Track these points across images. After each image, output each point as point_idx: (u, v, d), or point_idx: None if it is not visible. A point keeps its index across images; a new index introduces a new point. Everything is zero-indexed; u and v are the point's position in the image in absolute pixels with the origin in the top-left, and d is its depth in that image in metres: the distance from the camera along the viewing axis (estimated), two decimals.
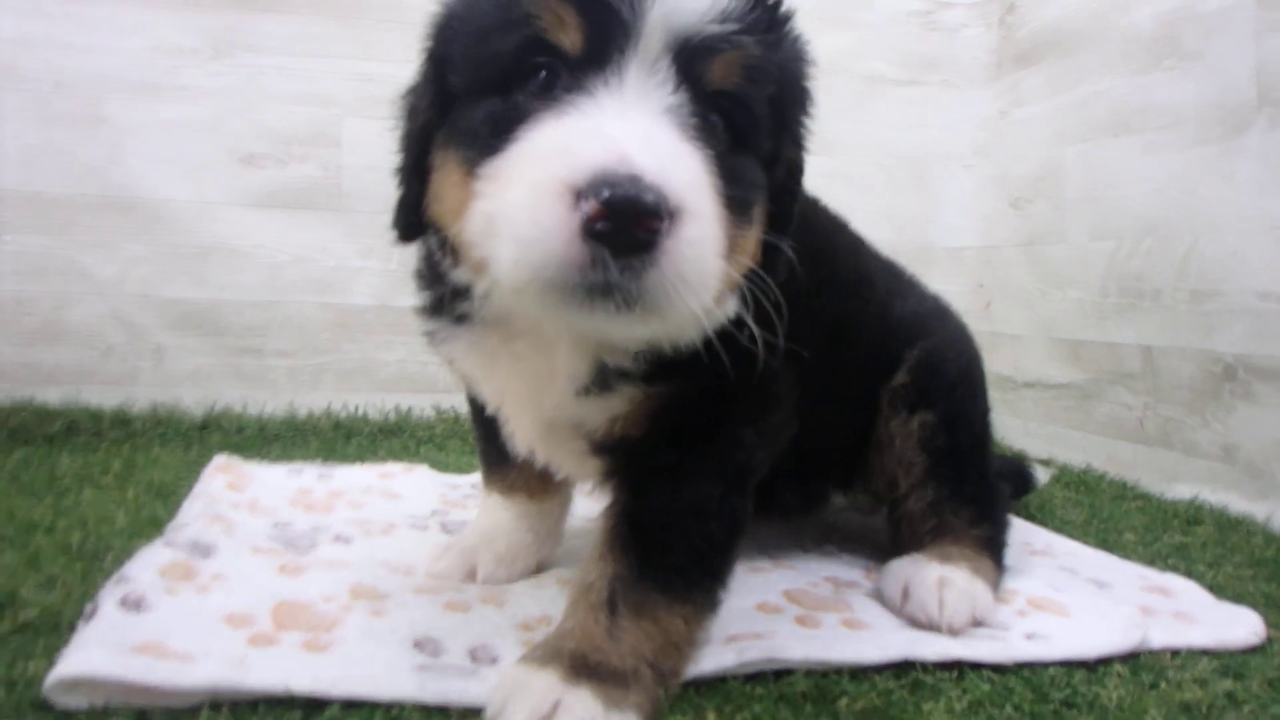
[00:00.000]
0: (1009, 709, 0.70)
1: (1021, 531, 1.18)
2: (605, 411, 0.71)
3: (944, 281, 2.06)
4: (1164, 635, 0.83)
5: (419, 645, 0.73)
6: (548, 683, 0.63)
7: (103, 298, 1.70)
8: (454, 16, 0.69)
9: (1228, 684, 0.75)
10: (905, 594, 0.86)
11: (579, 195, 0.52)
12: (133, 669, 0.62)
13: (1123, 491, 1.51)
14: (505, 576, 0.90)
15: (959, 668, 0.77)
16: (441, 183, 0.64)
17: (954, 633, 0.81)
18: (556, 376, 0.70)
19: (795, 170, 0.72)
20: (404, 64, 1.95)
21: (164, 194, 1.71)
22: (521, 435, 0.79)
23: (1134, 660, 0.80)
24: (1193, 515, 1.35)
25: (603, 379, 0.69)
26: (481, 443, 0.94)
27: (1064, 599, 0.90)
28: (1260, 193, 1.38)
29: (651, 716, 0.64)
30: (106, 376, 1.69)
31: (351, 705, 0.64)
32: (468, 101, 0.63)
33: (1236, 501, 1.38)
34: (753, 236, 0.65)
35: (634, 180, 0.51)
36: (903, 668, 0.76)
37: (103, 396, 1.64)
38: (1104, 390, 1.68)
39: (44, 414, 1.53)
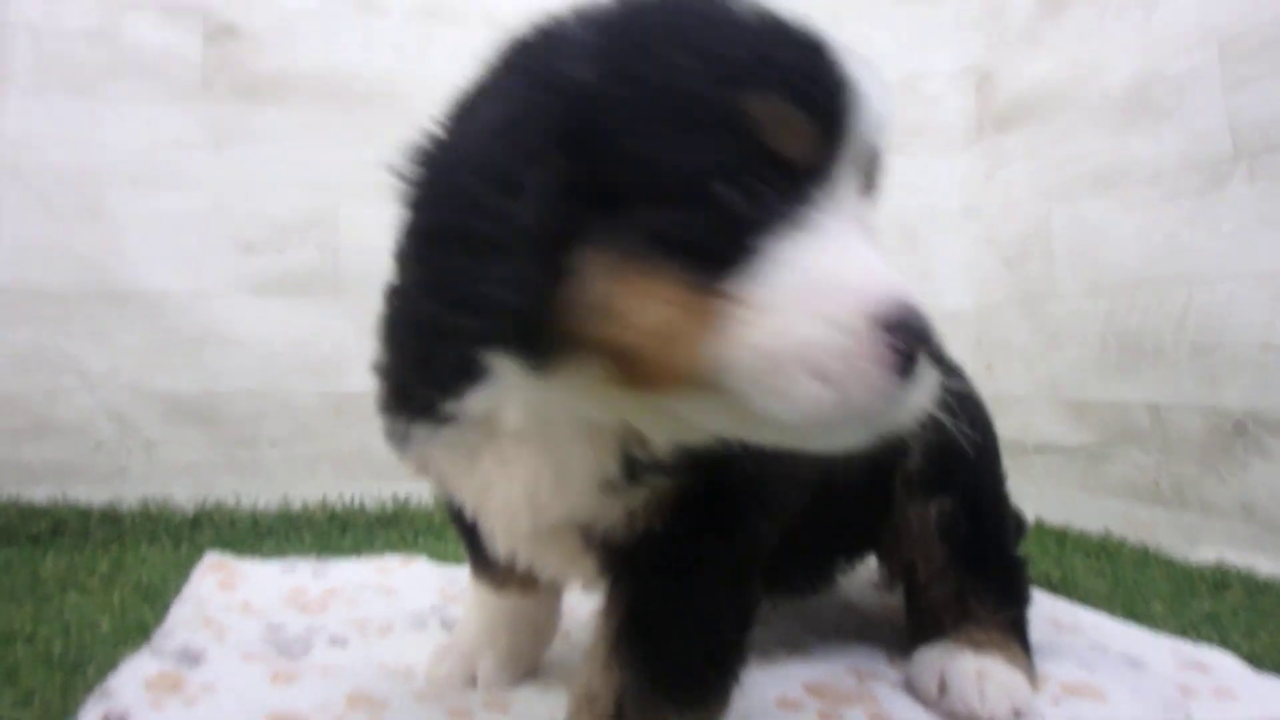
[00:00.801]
0: None
1: (1047, 607, 1.14)
2: (624, 507, 0.66)
3: (944, 343, 2.06)
4: (1206, 714, 0.79)
5: None
6: None
7: (94, 391, 1.67)
8: (611, 100, 0.55)
9: None
10: (942, 686, 0.82)
11: (885, 328, 0.51)
12: None
13: (1144, 557, 1.46)
14: (509, 679, 0.86)
15: None
16: (629, 298, 0.53)
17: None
18: (568, 474, 0.65)
19: None
20: (384, 148, 1.98)
21: (160, 284, 1.71)
22: (504, 538, 0.73)
23: None
24: (1219, 579, 1.30)
25: (630, 473, 0.64)
26: (464, 537, 0.87)
27: (1098, 681, 0.86)
28: (1247, 243, 1.39)
29: None
30: (95, 473, 1.65)
31: None
32: (649, 205, 0.53)
33: (1263, 562, 1.33)
34: None
35: (918, 310, 0.52)
36: None
37: (91, 493, 1.60)
38: (1115, 451, 1.66)
39: (29, 513, 1.48)
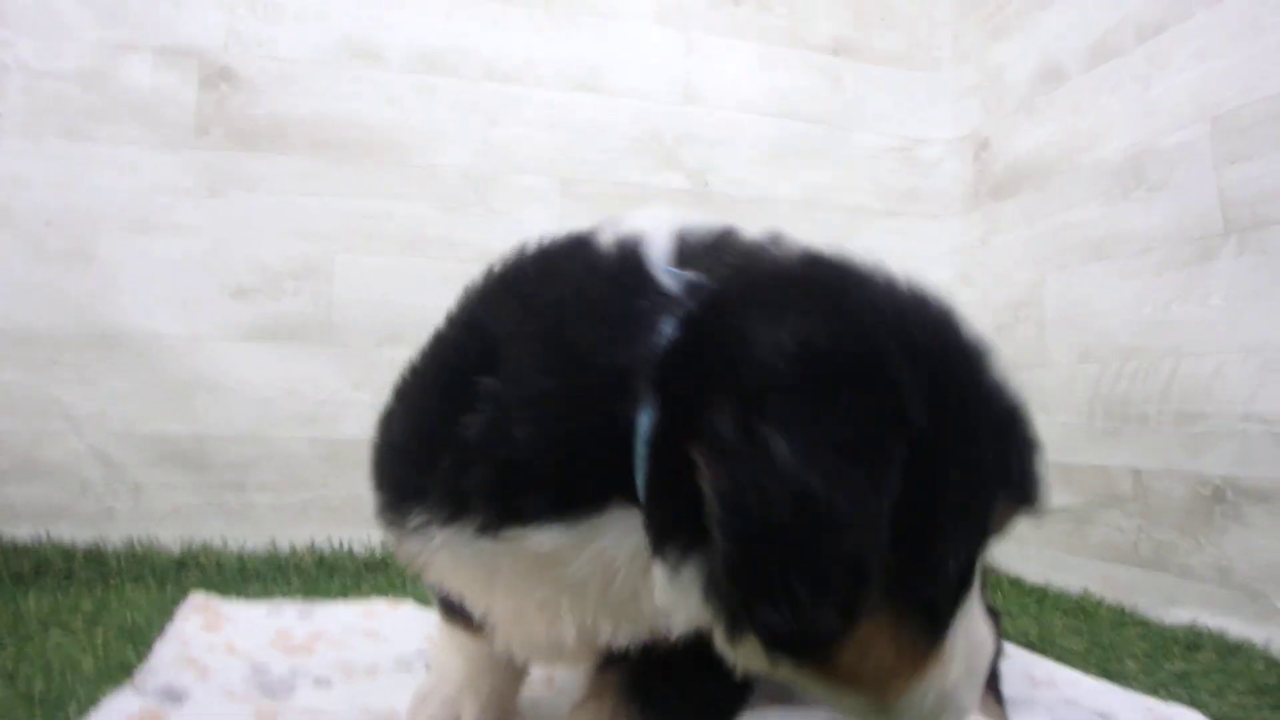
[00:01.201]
0: None
1: (1023, 663, 1.15)
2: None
3: None
4: None
5: None
6: None
7: (81, 435, 1.65)
8: (933, 459, 0.56)
9: None
10: None
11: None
12: None
13: (1121, 617, 1.48)
14: None
15: None
16: (888, 642, 0.57)
17: None
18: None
19: None
20: (396, 200, 2.00)
21: (151, 329, 1.70)
22: (505, 638, 0.71)
23: None
24: (1193, 640, 1.32)
25: None
26: (441, 600, 0.83)
27: None
28: (1235, 316, 1.42)
29: None
30: (81, 514, 1.62)
31: None
32: (939, 548, 0.58)
33: (1235, 625, 1.36)
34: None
35: None
36: None
37: (76, 534, 1.57)
38: (1097, 514, 1.68)
39: (13, 552, 1.46)
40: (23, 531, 1.56)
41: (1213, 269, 1.47)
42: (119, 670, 0.95)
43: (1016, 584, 1.76)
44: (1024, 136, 1.96)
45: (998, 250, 2.02)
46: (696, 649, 0.63)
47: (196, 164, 1.75)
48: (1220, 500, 1.42)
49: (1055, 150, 1.86)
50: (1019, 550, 1.87)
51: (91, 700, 0.83)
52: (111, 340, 1.69)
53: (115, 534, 1.61)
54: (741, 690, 0.70)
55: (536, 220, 1.88)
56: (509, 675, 0.86)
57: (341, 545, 1.69)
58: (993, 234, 2.04)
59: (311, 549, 1.66)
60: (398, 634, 1.15)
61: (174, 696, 0.81)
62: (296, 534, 1.70)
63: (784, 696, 0.99)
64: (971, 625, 0.62)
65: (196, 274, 1.74)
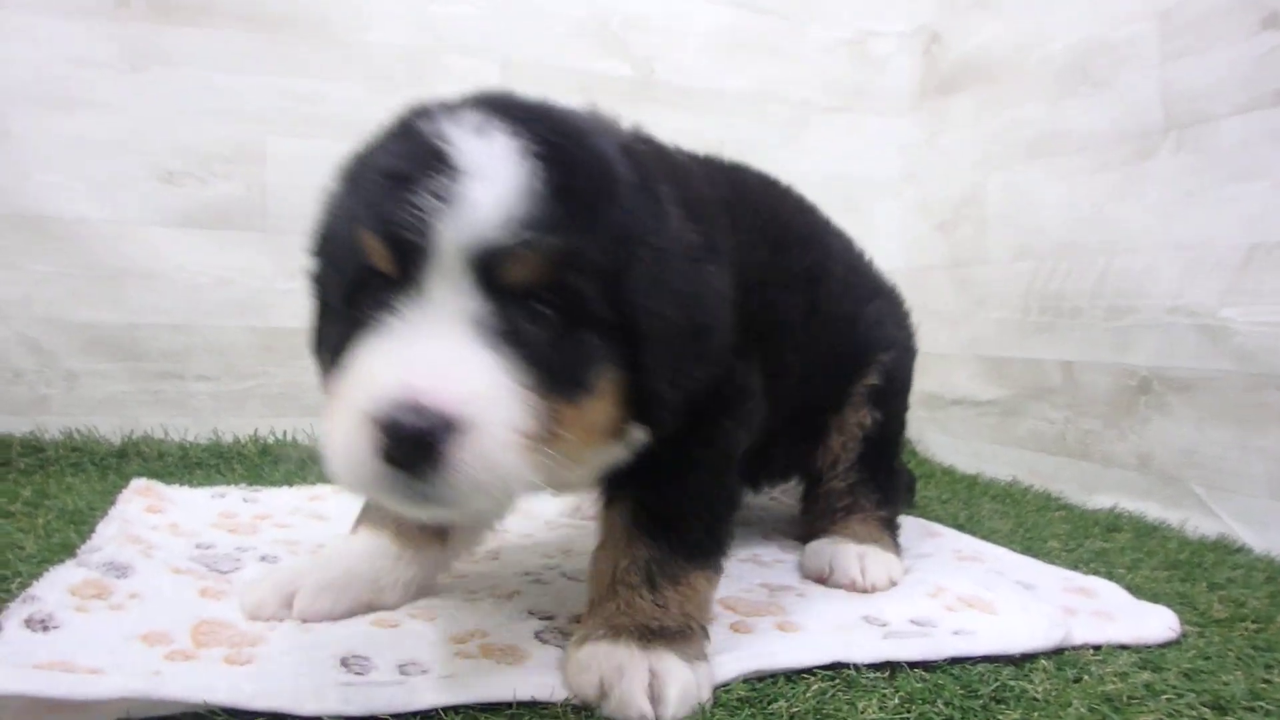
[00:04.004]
0: (940, 704, 0.71)
1: (951, 539, 1.23)
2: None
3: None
4: (1086, 632, 0.86)
5: (345, 663, 0.71)
6: (631, 652, 0.71)
7: (7, 321, 1.60)
8: (321, 240, 0.73)
9: (1146, 676, 0.78)
10: (830, 568, 1.02)
11: (373, 423, 0.58)
12: (36, 683, 0.59)
13: (1046, 502, 1.57)
14: (328, 610, 0.81)
15: (890, 666, 0.78)
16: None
17: (877, 590, 0.98)
18: None
19: (667, 324, 0.71)
20: (330, 80, 1.92)
21: (76, 213, 1.63)
22: None
23: (1058, 656, 0.83)
24: (1112, 523, 1.41)
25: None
26: None
27: (991, 597, 0.92)
28: (1168, 213, 1.47)
29: (706, 660, 0.75)
30: (14, 404, 1.59)
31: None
32: (328, 316, 0.72)
33: (1153, 509, 1.45)
34: (596, 405, 0.69)
35: (412, 407, 0.58)
36: (835, 667, 0.77)
37: (11, 424, 1.55)
38: (1027, 406, 1.75)
39: None
40: None
41: (1150, 168, 1.50)
42: (61, 550, 0.96)
43: (949, 472, 1.85)
44: (975, 31, 1.94)
45: (943, 149, 2.02)
46: (691, 487, 0.81)
47: (116, 36, 1.64)
48: (1145, 391, 1.49)
49: (1005, 46, 1.85)
50: (951, 442, 1.95)
51: (34, 575, 0.84)
52: (33, 223, 1.62)
53: (52, 424, 1.59)
54: (731, 512, 0.87)
55: None
56: (370, 572, 0.85)
57: (285, 435, 1.69)
58: (939, 132, 2.04)
59: (255, 438, 1.66)
60: (344, 516, 1.16)
61: (118, 569, 0.82)
62: (238, 424, 1.69)
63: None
64: (365, 367, 0.64)
65: (121, 155, 1.65)
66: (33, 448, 1.49)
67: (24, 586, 0.82)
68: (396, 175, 0.64)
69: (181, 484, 1.30)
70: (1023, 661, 0.81)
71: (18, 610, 0.70)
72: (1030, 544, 1.27)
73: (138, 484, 1.16)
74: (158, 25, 1.66)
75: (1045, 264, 1.71)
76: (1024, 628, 0.84)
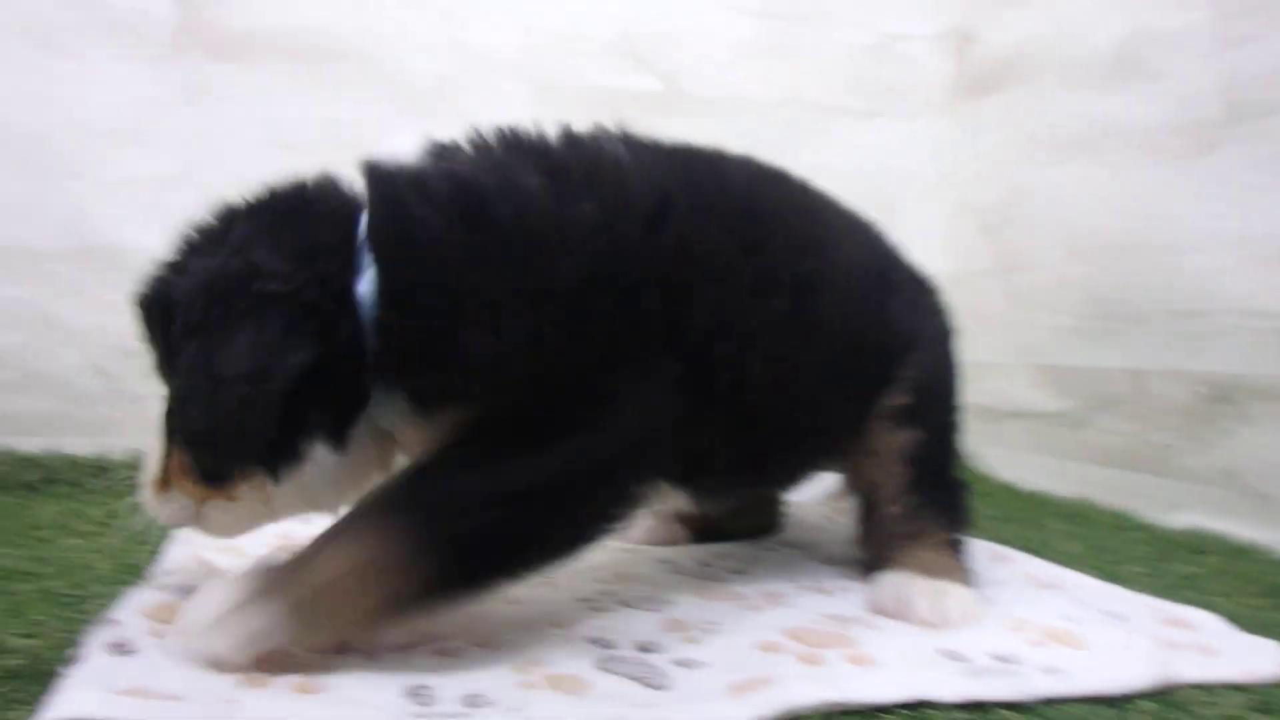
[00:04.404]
0: None
1: (1023, 563, 1.18)
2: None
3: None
4: (1190, 669, 0.80)
5: (412, 693, 0.71)
6: None
7: (80, 348, 1.68)
8: None
9: (1260, 719, 0.73)
10: (902, 607, 0.94)
11: None
12: (121, 709, 0.61)
13: (1121, 521, 1.49)
14: None
15: (976, 706, 0.74)
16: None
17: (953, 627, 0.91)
18: None
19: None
20: (371, 108, 1.98)
21: (139, 243, 1.67)
22: None
23: (1161, 696, 0.77)
24: (1196, 544, 1.32)
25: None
26: None
27: (1080, 631, 0.88)
28: (1235, 208, 1.40)
29: None
30: (84, 427, 1.67)
31: None
32: None
33: (1240, 528, 1.35)
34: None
35: None
36: (916, 706, 0.73)
37: (80, 446, 1.62)
38: (1092, 417, 1.69)
39: (22, 462, 1.51)
40: (31, 443, 1.61)
41: (1212, 161, 1.44)
42: (130, 571, 1.00)
43: (1009, 490, 1.79)
44: (1009, 28, 1.90)
45: (983, 149, 1.99)
46: None
47: (173, 76, 1.73)
48: (1226, 400, 1.41)
49: (1043, 41, 1.81)
50: (1009, 457, 1.90)
51: (108, 596, 0.88)
52: (100, 254, 1.69)
53: (117, 445, 1.64)
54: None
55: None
56: None
57: None
58: (978, 132, 2.00)
59: None
60: None
61: (188, 592, 0.83)
62: None
63: (773, 592, 1.04)
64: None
65: (179, 187, 1.72)
66: (100, 469, 1.55)
67: (99, 607, 0.86)
68: None
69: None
70: (1122, 702, 0.75)
71: (99, 634, 0.73)
72: (1109, 568, 1.19)
73: None
74: (211, 63, 1.75)
75: (1104, 265, 1.65)
76: (1122, 665, 0.79)
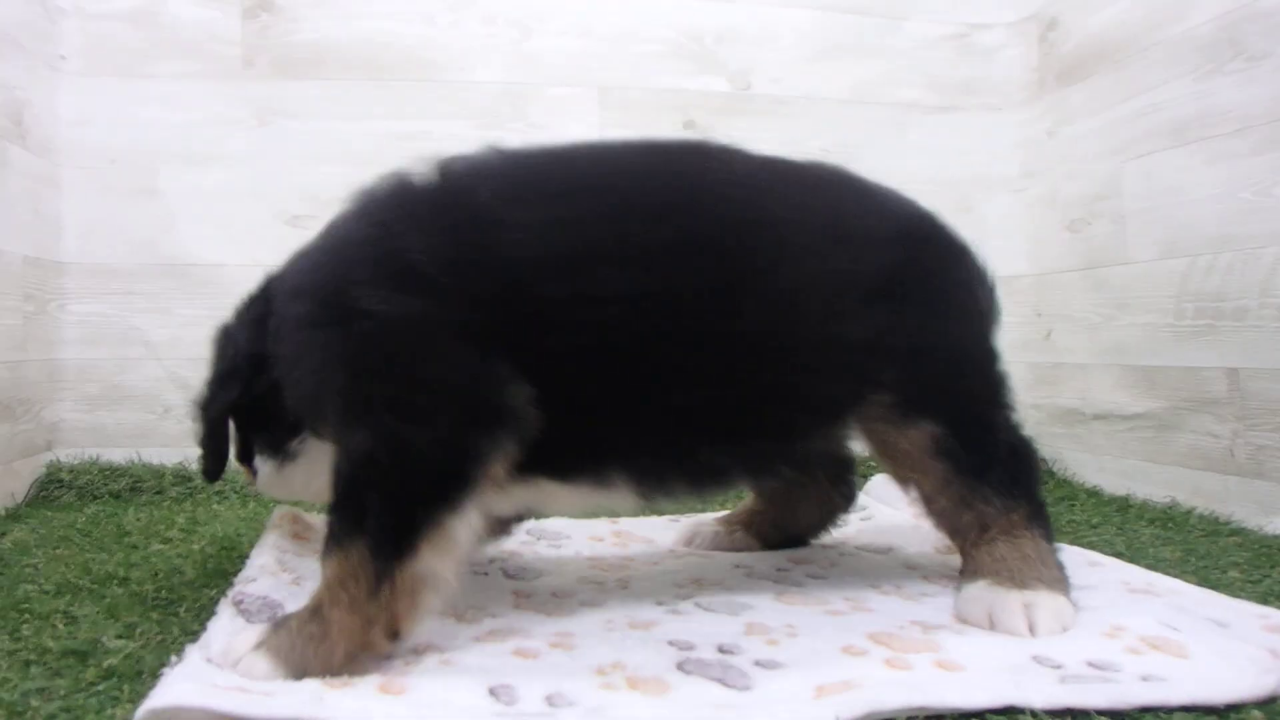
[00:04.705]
0: None
1: (1115, 570, 1.11)
2: None
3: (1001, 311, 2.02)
4: None
5: (493, 693, 0.71)
6: None
7: (160, 361, 1.73)
8: None
9: None
10: (991, 620, 0.88)
11: None
12: (219, 700, 0.62)
13: (1216, 527, 1.41)
14: None
15: (1071, 714, 0.69)
16: None
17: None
18: None
19: None
20: (436, 120, 2.01)
21: (215, 258, 1.75)
22: None
23: (1269, 706, 0.71)
24: None
25: None
26: None
27: (1181, 638, 0.82)
28: None
29: None
30: (167, 436, 1.72)
31: None
32: None
33: None
34: None
35: None
36: (1009, 712, 0.69)
37: (164, 456, 1.67)
38: (1185, 419, 1.60)
39: (109, 472, 1.57)
40: (117, 454, 1.67)
41: None
42: (217, 576, 1.02)
43: (1095, 494, 1.72)
44: (1097, 12, 1.81)
45: (1069, 141, 1.91)
46: None
47: (244, 95, 1.78)
48: None
49: (1134, 25, 1.72)
50: (1095, 461, 1.82)
51: (198, 601, 0.90)
52: (179, 270, 1.75)
53: (198, 454, 1.68)
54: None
55: (576, 131, 1.86)
56: None
57: None
58: (1063, 123, 1.93)
59: None
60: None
61: (272, 607, 0.85)
62: None
63: (855, 597, 1.00)
64: None
65: (251, 203, 1.77)
66: (182, 477, 1.60)
67: (190, 612, 0.88)
68: None
69: (319, 513, 1.35)
70: (1228, 712, 0.70)
71: (198, 651, 0.75)
72: (1207, 575, 1.13)
73: (282, 511, 1.20)
74: (280, 81, 1.79)
75: (1200, 261, 1.57)
76: (1227, 673, 0.74)
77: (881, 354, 0.91)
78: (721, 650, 0.81)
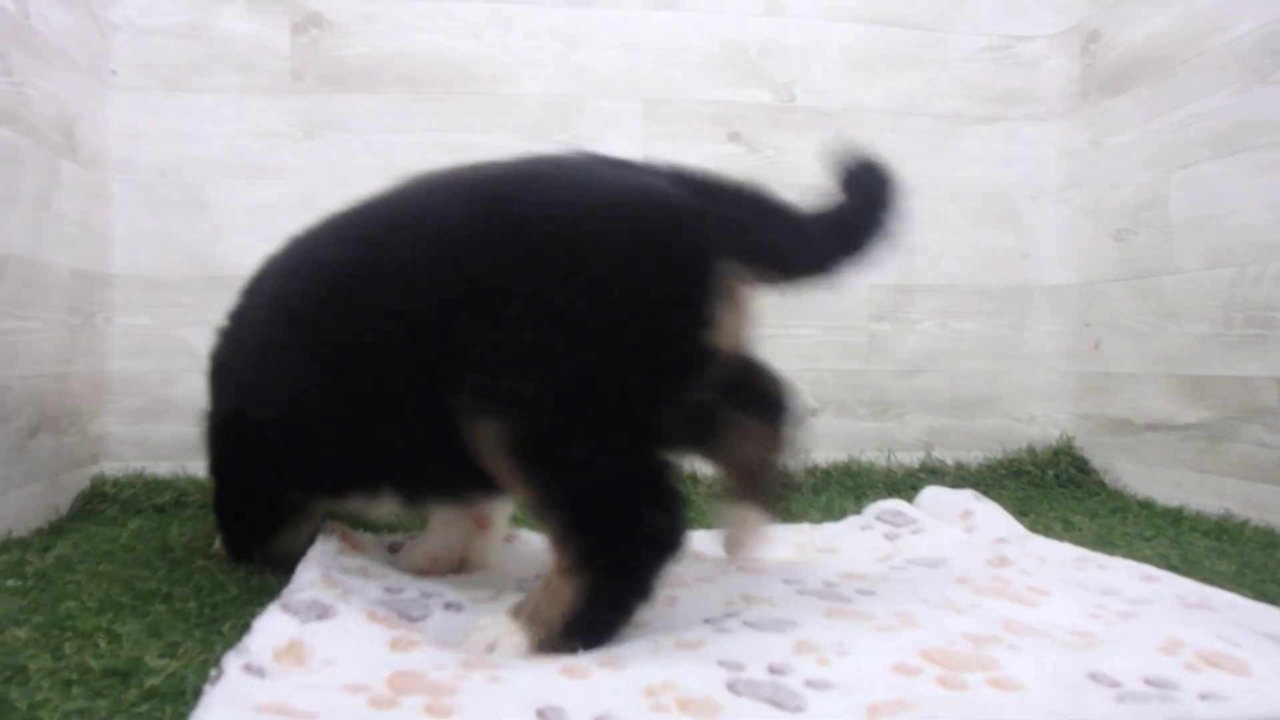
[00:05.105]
0: None
1: (1170, 583, 1.09)
2: None
3: (1046, 322, 1.98)
4: None
5: (541, 713, 0.70)
6: None
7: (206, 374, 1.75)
8: None
9: None
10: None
11: None
12: None
13: (1272, 538, 1.38)
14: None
15: None
16: None
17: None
18: None
19: None
20: (483, 132, 2.02)
21: None
22: None
23: None
24: None
25: None
26: None
27: (1240, 654, 0.80)
28: None
29: None
30: None
31: None
32: None
33: None
34: None
35: None
36: None
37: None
38: (1237, 429, 1.57)
39: (154, 485, 1.57)
40: (162, 467, 1.68)
41: None
42: (261, 593, 1.01)
43: (1146, 506, 1.68)
44: (1140, 24, 1.79)
45: (1113, 151, 1.88)
46: None
47: (292, 108, 1.80)
48: None
49: (1178, 36, 1.70)
50: (1146, 472, 1.78)
51: (242, 618, 0.89)
52: (227, 282, 1.73)
53: None
54: None
55: (622, 144, 1.87)
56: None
57: None
58: (1107, 133, 1.89)
59: None
60: (514, 561, 1.17)
61: (320, 610, 0.85)
62: None
63: (905, 613, 0.98)
64: None
65: (300, 215, 1.74)
66: None
67: (235, 629, 0.87)
68: None
69: (358, 529, 1.35)
70: None
71: (235, 660, 0.74)
72: (1264, 589, 1.10)
73: (330, 525, 1.20)
74: (327, 95, 1.82)
75: (1249, 270, 1.53)
76: None
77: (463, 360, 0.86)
78: (772, 670, 0.79)
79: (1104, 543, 1.34)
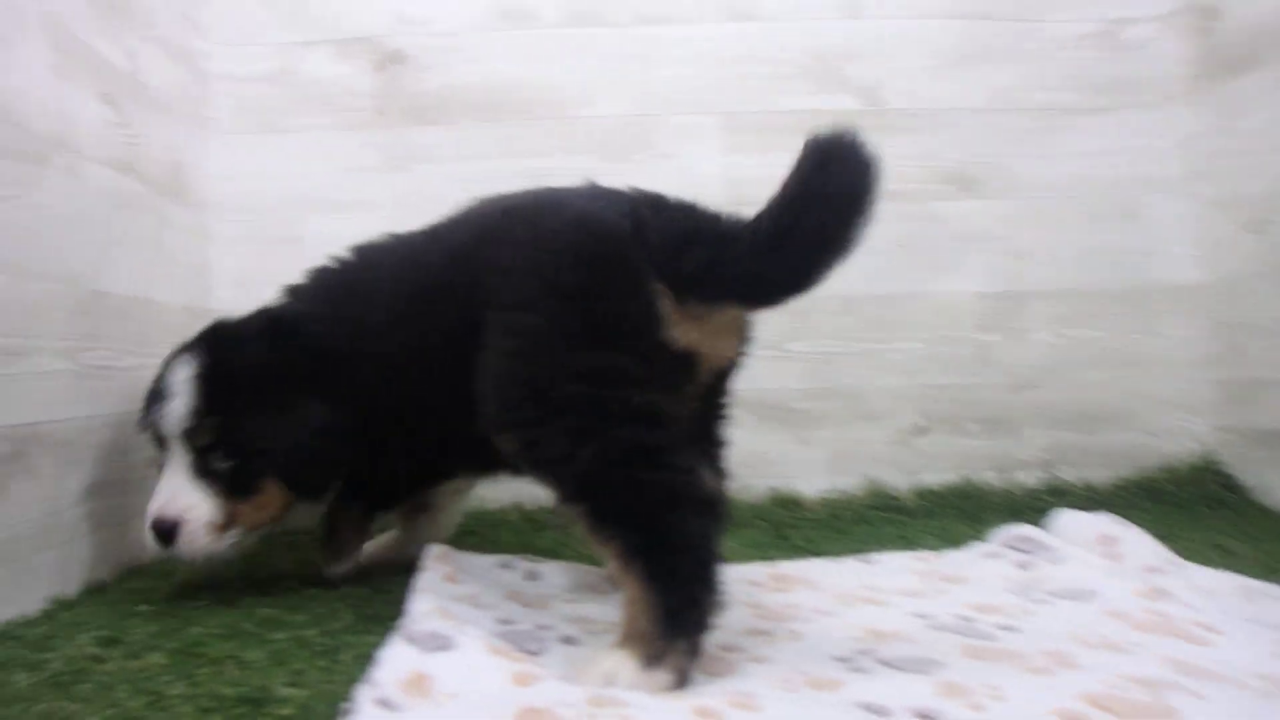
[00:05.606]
0: None
1: None
2: None
3: (1175, 325, 1.85)
4: None
5: None
6: None
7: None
8: None
9: None
10: None
11: (149, 525, 1.12)
12: None
13: None
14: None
15: None
16: None
17: None
18: None
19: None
20: (563, 155, 2.02)
21: None
22: None
23: None
24: None
25: None
26: None
27: None
28: None
29: None
30: None
31: None
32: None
33: None
34: (267, 491, 1.15)
35: (157, 517, 1.11)
36: None
37: None
38: None
39: None
40: None
41: None
42: (374, 621, 1.01)
43: (1264, 512, 1.55)
44: None
45: (1241, 135, 1.74)
46: None
47: (377, 142, 1.85)
48: None
49: None
50: (1261, 475, 1.62)
51: (359, 649, 0.89)
52: None
53: None
54: None
55: (703, 158, 1.85)
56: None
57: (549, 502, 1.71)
58: (1233, 117, 1.76)
59: (517, 505, 1.70)
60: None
61: (440, 645, 0.82)
62: (499, 491, 1.72)
63: (1055, 651, 0.89)
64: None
65: None
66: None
67: (356, 659, 0.86)
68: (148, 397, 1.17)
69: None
70: None
71: (368, 692, 0.72)
72: None
73: (435, 550, 1.18)
74: (410, 128, 1.86)
75: None
76: None
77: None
78: (919, 716, 0.72)
79: (1270, 571, 1.18)
